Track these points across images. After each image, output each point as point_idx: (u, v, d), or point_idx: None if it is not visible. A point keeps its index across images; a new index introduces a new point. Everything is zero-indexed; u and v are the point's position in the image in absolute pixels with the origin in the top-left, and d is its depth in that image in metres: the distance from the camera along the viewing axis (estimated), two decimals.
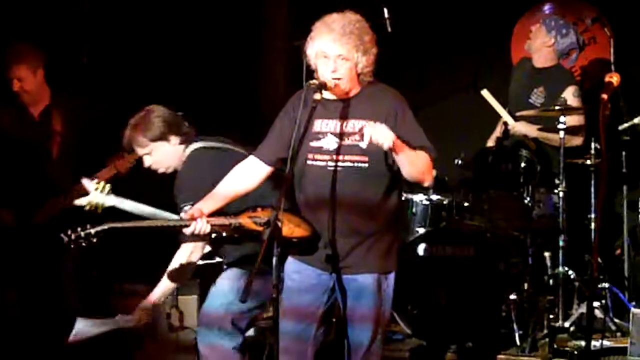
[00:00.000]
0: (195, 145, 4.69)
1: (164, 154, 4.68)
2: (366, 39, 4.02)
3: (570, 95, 6.29)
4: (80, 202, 4.77)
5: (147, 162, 4.73)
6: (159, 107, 4.74)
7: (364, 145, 3.86)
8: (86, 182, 4.81)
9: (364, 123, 4.00)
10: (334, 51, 3.99)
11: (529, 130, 6.28)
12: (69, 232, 4.14)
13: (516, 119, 6.35)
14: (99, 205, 4.75)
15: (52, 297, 5.56)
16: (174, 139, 4.68)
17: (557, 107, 6.01)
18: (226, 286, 4.61)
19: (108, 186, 4.78)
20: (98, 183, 4.79)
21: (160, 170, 4.74)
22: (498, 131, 6.49)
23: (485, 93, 6.39)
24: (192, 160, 4.63)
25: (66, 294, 5.63)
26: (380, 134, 3.82)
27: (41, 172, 5.54)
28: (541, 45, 6.50)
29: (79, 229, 4.14)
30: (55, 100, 5.62)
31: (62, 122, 5.60)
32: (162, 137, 4.65)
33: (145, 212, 4.71)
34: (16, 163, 5.53)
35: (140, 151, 4.71)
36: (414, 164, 4.00)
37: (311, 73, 4.21)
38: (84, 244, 4.14)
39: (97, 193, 4.75)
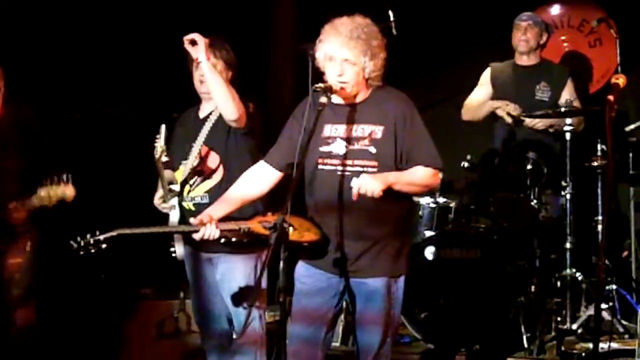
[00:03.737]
0: None
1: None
2: (374, 44, 4.01)
3: (572, 90, 6.45)
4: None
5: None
6: None
7: (354, 198, 3.89)
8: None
9: (374, 128, 4.04)
10: (341, 55, 3.99)
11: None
12: (78, 239, 4.12)
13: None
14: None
15: None
16: None
17: (563, 109, 6.03)
18: None
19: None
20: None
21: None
22: None
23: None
24: None
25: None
26: (369, 186, 3.86)
27: None
28: (536, 43, 6.52)
29: (87, 236, 4.12)
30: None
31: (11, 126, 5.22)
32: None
33: None
34: None
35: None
36: (413, 185, 4.07)
37: (318, 76, 4.21)
38: (92, 251, 4.13)
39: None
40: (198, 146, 4.80)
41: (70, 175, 5.04)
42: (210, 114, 4.85)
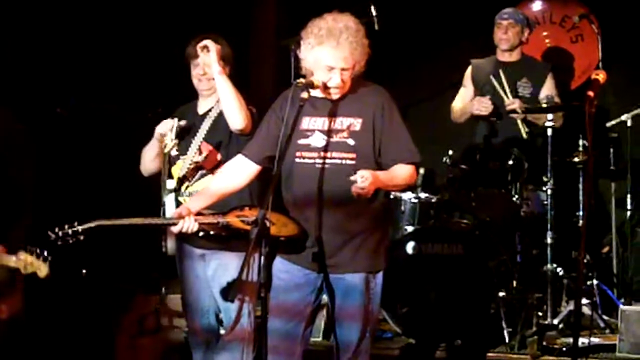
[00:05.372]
0: None
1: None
2: (365, 44, 4.03)
3: (552, 86, 6.43)
4: None
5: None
6: None
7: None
8: None
9: (352, 120, 4.04)
10: (340, 65, 3.98)
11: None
12: (56, 230, 4.10)
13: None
14: None
15: None
16: None
17: (544, 105, 6.03)
18: None
19: None
20: None
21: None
22: None
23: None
24: None
25: None
26: (368, 185, 3.85)
27: None
28: (517, 40, 6.52)
29: (66, 226, 4.09)
30: None
31: None
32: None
33: None
34: None
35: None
36: (397, 185, 4.13)
37: (299, 71, 4.19)
38: (70, 242, 4.10)
39: None
40: (197, 142, 4.79)
41: (49, 256, 4.97)
42: (210, 110, 4.84)
